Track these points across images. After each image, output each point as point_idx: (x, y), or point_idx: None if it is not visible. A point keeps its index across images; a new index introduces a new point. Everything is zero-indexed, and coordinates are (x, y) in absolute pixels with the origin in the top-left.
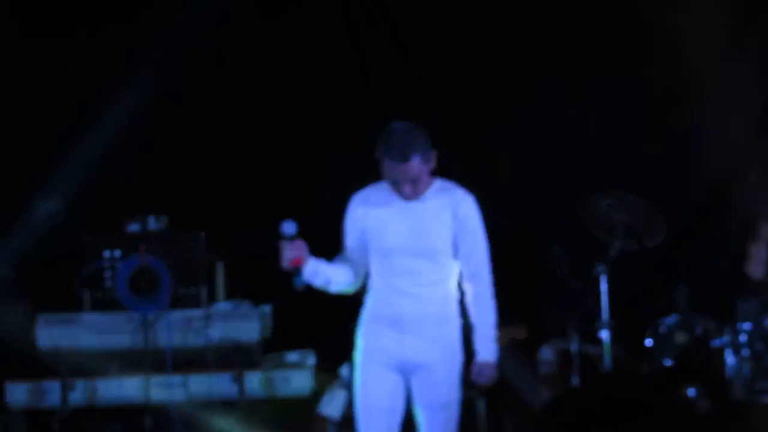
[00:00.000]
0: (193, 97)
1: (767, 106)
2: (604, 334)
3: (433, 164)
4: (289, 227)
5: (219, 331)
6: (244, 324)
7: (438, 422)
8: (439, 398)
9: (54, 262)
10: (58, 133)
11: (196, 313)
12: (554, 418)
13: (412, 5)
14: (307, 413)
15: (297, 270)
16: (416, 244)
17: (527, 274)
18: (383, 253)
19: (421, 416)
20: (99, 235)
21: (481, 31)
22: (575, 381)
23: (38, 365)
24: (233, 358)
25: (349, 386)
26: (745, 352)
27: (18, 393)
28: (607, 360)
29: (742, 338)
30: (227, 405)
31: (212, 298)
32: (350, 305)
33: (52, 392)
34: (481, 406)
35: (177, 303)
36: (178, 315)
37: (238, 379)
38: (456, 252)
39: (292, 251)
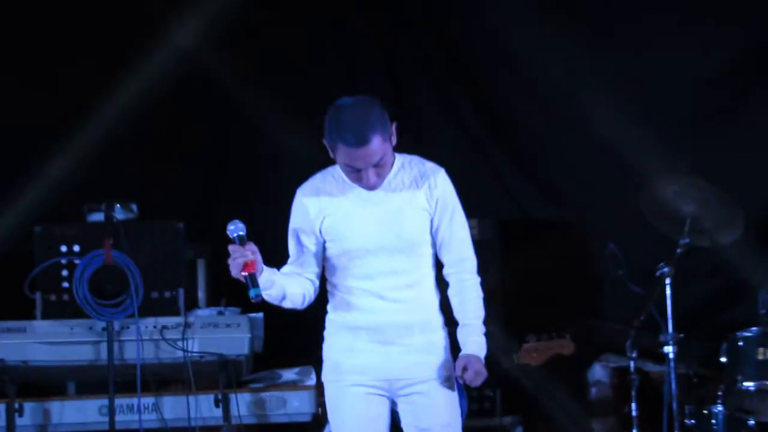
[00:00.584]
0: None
1: None
2: (669, 350)
3: (395, 139)
4: (236, 227)
5: (200, 344)
6: (230, 335)
7: None
8: (440, 420)
9: None
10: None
11: (172, 321)
12: None
13: None
14: None
15: (252, 278)
16: (391, 239)
17: (576, 277)
18: (349, 255)
19: None
20: (53, 225)
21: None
22: (633, 407)
23: None
24: (217, 376)
25: None
26: None
27: None
28: (673, 381)
29: None
30: None
31: (192, 304)
32: None
33: None
34: None
35: (149, 309)
36: (149, 323)
37: (223, 402)
38: (433, 239)
39: (243, 256)
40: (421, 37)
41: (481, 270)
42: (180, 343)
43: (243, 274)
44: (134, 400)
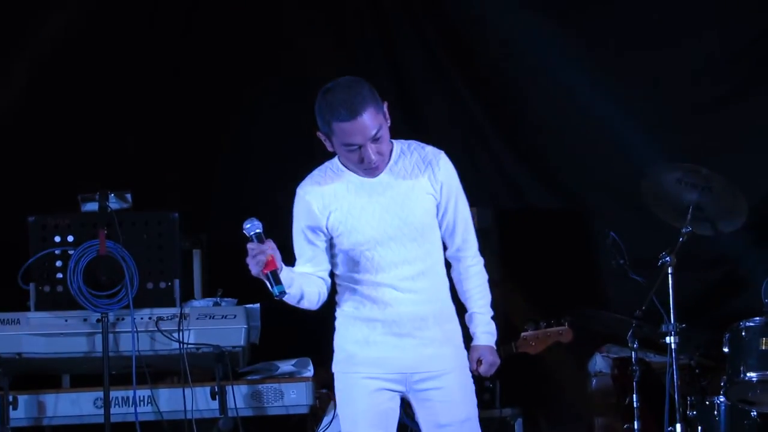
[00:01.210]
0: (164, 51)
1: None
2: (671, 340)
3: (388, 119)
4: (253, 225)
5: (196, 335)
6: (226, 326)
7: None
8: (459, 414)
9: None
10: None
11: (167, 312)
12: None
13: None
14: None
15: (274, 276)
16: (399, 227)
17: (576, 266)
18: (360, 248)
19: None
20: (47, 215)
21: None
22: (635, 398)
23: None
24: (213, 367)
25: None
26: None
27: None
28: (675, 371)
29: None
30: (205, 424)
31: (187, 295)
32: None
33: None
34: (518, 425)
35: (144, 300)
36: (145, 315)
37: (219, 394)
38: (439, 224)
39: (263, 254)
40: (424, 25)
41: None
42: (176, 335)
43: (264, 272)
44: (130, 393)
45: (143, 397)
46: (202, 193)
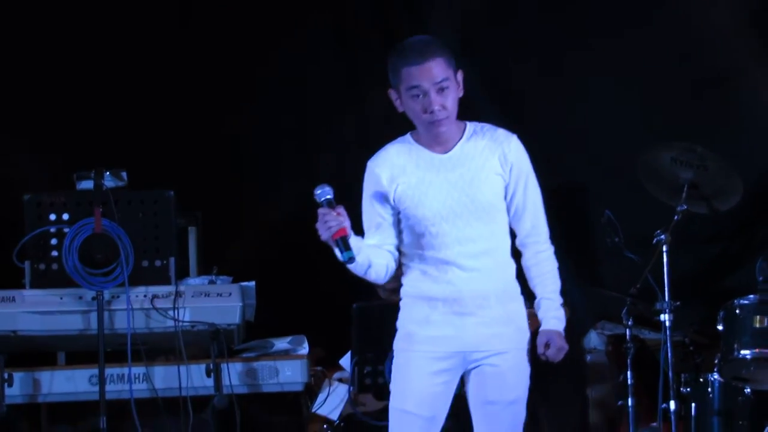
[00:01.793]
0: (162, 31)
1: None
2: (665, 318)
3: (461, 87)
4: (323, 191)
5: (191, 313)
6: (221, 304)
7: (504, 424)
8: (508, 394)
9: None
10: None
11: (162, 290)
12: None
13: None
14: (299, 412)
15: (344, 241)
16: (466, 204)
17: (571, 243)
18: (425, 222)
19: (480, 416)
20: (42, 193)
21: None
22: (629, 375)
23: None
24: (208, 345)
25: (351, 380)
26: None
27: None
28: (669, 348)
29: None
30: (201, 401)
31: (183, 273)
32: (352, 282)
33: None
34: None
35: (139, 278)
36: (140, 293)
37: (215, 371)
38: (507, 207)
39: (334, 219)
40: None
41: None
42: (171, 313)
43: (334, 238)
44: (125, 370)
45: (138, 374)
46: (197, 170)
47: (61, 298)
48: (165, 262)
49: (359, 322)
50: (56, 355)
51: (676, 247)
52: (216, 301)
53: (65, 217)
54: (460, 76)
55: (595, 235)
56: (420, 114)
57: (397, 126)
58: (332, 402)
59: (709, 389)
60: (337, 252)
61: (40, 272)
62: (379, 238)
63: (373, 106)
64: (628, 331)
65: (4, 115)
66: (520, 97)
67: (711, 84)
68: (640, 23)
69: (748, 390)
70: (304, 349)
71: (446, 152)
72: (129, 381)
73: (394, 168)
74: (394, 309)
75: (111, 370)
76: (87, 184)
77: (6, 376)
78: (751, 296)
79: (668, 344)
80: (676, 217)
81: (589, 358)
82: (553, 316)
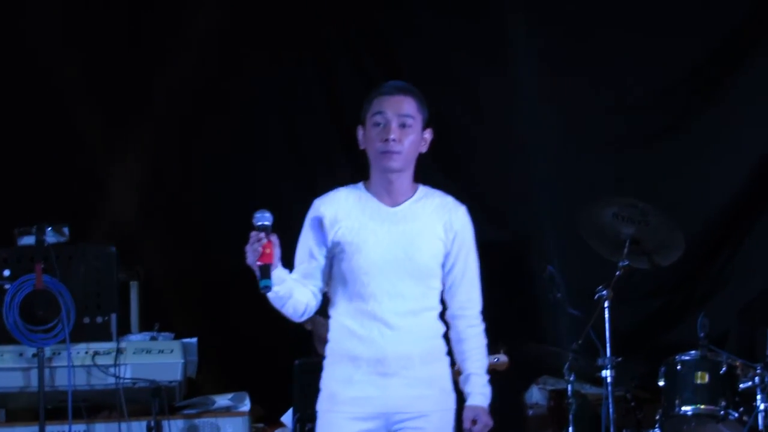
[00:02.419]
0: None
1: None
2: (607, 372)
3: (425, 143)
4: (263, 216)
5: (132, 370)
6: (163, 361)
7: None
8: None
9: None
10: None
11: (104, 346)
12: None
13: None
14: None
15: (266, 269)
16: (403, 261)
17: (514, 298)
18: (359, 271)
19: None
20: None
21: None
22: (570, 430)
23: None
24: (149, 402)
25: None
26: None
27: None
28: (610, 404)
29: None
30: None
31: (124, 328)
32: (293, 339)
33: None
34: None
35: (80, 334)
36: (81, 349)
37: (156, 428)
38: (443, 278)
39: (264, 246)
40: (362, 55)
41: None
42: (112, 370)
43: (258, 263)
44: (65, 427)
45: (79, 431)
46: (140, 223)
47: (2, 355)
48: (106, 318)
49: (301, 379)
50: None
51: (618, 302)
52: (158, 358)
53: (6, 273)
54: (428, 133)
55: (537, 290)
56: (376, 141)
57: None
58: None
59: None
60: (258, 277)
61: None
62: (306, 276)
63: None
64: (569, 386)
65: None
66: (466, 149)
67: (652, 137)
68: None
69: None
70: (246, 406)
71: (394, 206)
72: None
73: (340, 210)
74: None
75: (52, 428)
76: (28, 240)
77: None
78: (693, 352)
79: (610, 400)
80: (617, 273)
81: (530, 413)
82: (480, 392)
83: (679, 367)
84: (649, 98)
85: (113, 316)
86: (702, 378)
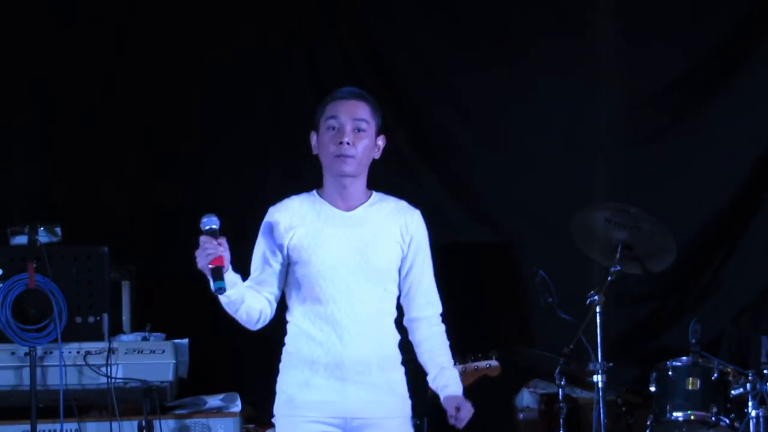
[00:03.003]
0: (93, 79)
1: None
2: (598, 377)
3: (378, 150)
4: (210, 220)
5: (123, 370)
6: (154, 361)
7: None
8: None
9: None
10: None
11: (95, 346)
12: None
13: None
14: None
15: (218, 271)
16: (360, 264)
17: (506, 302)
18: (317, 275)
19: None
20: None
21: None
22: None
23: None
24: (141, 402)
25: None
26: None
27: None
28: (602, 408)
29: None
30: None
31: (116, 328)
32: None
33: None
34: None
35: (72, 334)
36: (73, 349)
37: (147, 428)
38: (400, 283)
39: (214, 249)
40: (351, 57)
41: None
42: (104, 369)
43: (210, 266)
44: (56, 426)
45: (70, 430)
46: (132, 223)
47: None
48: (98, 318)
49: None
50: None
51: (610, 306)
52: (149, 359)
53: None
54: (381, 140)
55: (529, 295)
56: (330, 146)
57: None
58: None
59: None
60: (210, 281)
61: None
62: (261, 284)
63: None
64: (560, 390)
65: None
66: (456, 154)
67: (645, 140)
68: (573, 83)
69: None
70: (237, 406)
71: (349, 210)
72: None
73: (294, 216)
74: None
75: (43, 426)
76: (20, 240)
77: None
78: (684, 358)
79: (601, 405)
80: (609, 278)
81: (521, 416)
82: (455, 383)
83: (670, 373)
84: (641, 101)
85: (105, 316)
86: (693, 384)
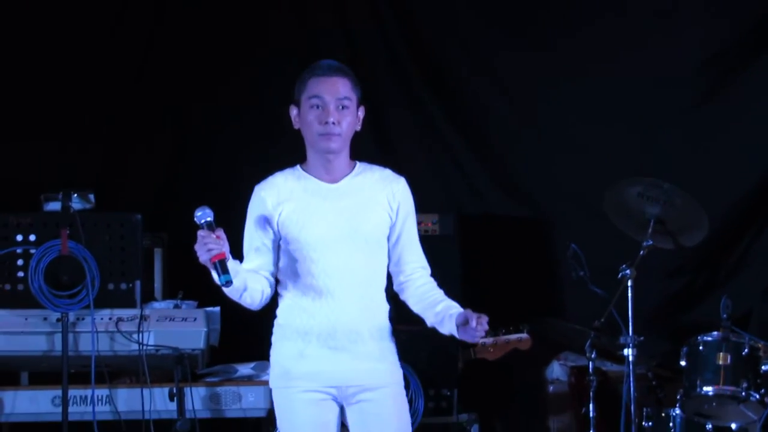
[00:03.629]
0: (128, 49)
1: None
2: (628, 351)
3: (359, 122)
4: (204, 213)
5: (155, 337)
6: (186, 328)
7: None
8: (389, 429)
9: None
10: None
11: (127, 313)
12: None
13: None
14: None
15: (222, 264)
16: (350, 234)
17: (537, 275)
18: (308, 248)
19: None
20: (9, 214)
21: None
22: (591, 408)
23: None
24: (172, 369)
25: None
26: None
27: None
28: (631, 382)
29: None
30: (163, 425)
31: (148, 295)
32: None
33: None
34: (474, 431)
35: (105, 300)
36: (105, 315)
37: (178, 395)
38: (389, 250)
39: (214, 242)
40: (387, 29)
41: (441, 264)
42: (135, 336)
43: (212, 260)
44: (88, 392)
45: (101, 396)
46: (165, 189)
47: (26, 319)
48: (131, 285)
49: None
50: (19, 375)
51: (641, 281)
52: (181, 326)
53: (32, 238)
54: (361, 112)
55: (561, 266)
56: (314, 124)
57: None
58: None
59: (671, 424)
60: (214, 275)
61: (5, 293)
62: (257, 262)
63: None
64: (591, 363)
65: None
66: (490, 127)
67: (677, 117)
68: (607, 59)
69: (710, 426)
70: (268, 375)
71: (334, 182)
72: (92, 403)
73: (281, 193)
74: None
75: (74, 392)
76: (54, 206)
77: None
78: (715, 333)
79: (631, 378)
80: (641, 252)
81: (551, 388)
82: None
83: (701, 348)
84: (675, 77)
85: (137, 283)
86: (724, 359)
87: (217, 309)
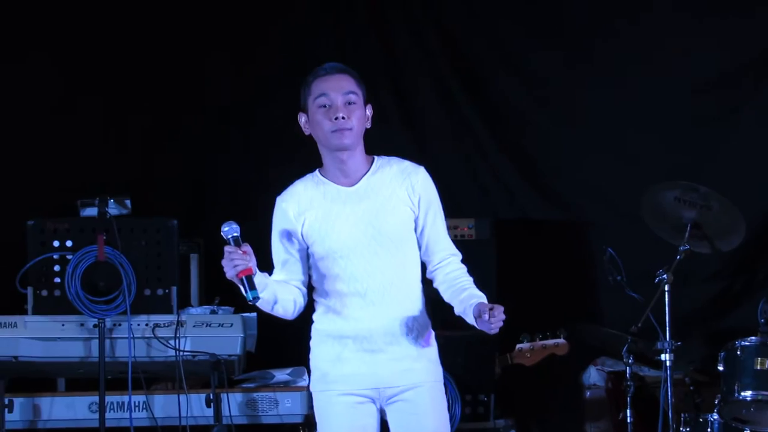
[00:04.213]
0: (161, 55)
1: None
2: (666, 356)
3: (368, 119)
4: (231, 228)
5: (192, 343)
6: (222, 334)
7: None
8: (428, 427)
9: None
10: None
11: (164, 319)
12: None
13: None
14: None
15: (249, 280)
16: (373, 236)
17: (573, 280)
18: (334, 255)
19: None
20: (46, 220)
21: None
22: (628, 414)
23: None
24: (208, 375)
25: None
26: None
27: None
28: (669, 387)
29: None
30: (200, 431)
31: (184, 301)
32: None
33: None
34: None
35: (141, 306)
36: (141, 321)
37: (215, 401)
38: (419, 240)
39: (241, 259)
40: (424, 35)
41: (477, 269)
42: (172, 342)
43: (239, 276)
44: (125, 398)
45: (138, 402)
46: (202, 196)
47: (63, 325)
48: (167, 290)
49: None
50: (56, 381)
51: (678, 285)
52: (217, 332)
53: (68, 243)
54: (369, 110)
55: (598, 271)
56: (325, 122)
57: None
58: None
59: (709, 429)
60: (242, 290)
61: (42, 298)
62: (286, 274)
63: None
64: (628, 368)
65: (10, 141)
66: (526, 131)
67: (714, 120)
68: (644, 60)
69: (748, 431)
70: (304, 380)
71: (352, 185)
72: (129, 409)
73: (301, 202)
74: None
75: (111, 398)
76: (91, 212)
77: (6, 401)
78: (753, 338)
79: (669, 383)
80: (678, 257)
81: (588, 394)
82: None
83: (739, 353)
84: (712, 81)
85: (174, 289)
86: (762, 364)
87: (254, 315)
